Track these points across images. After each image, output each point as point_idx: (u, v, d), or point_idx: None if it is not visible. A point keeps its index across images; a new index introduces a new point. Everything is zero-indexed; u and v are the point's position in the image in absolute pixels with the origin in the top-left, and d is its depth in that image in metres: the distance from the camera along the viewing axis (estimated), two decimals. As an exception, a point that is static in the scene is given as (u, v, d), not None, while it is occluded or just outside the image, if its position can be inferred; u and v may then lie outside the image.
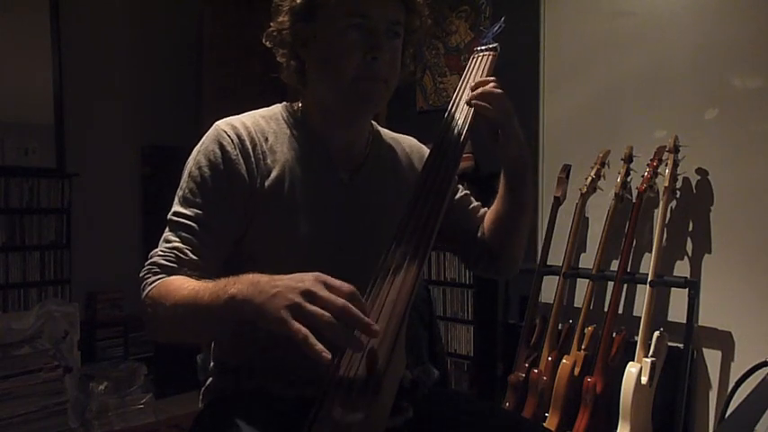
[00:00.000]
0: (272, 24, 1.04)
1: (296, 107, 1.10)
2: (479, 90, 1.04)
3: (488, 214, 1.18)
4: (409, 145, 1.21)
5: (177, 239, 0.97)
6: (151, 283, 0.94)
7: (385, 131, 1.20)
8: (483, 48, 1.10)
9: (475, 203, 1.24)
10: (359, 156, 1.11)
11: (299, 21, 1.01)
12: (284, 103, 1.12)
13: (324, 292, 0.75)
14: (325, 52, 1.00)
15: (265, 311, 0.77)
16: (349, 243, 1.04)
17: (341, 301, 0.75)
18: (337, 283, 0.77)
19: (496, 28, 1.11)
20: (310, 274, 0.78)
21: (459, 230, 1.20)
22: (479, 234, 1.19)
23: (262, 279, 0.81)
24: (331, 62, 0.99)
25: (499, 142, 1.06)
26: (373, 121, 1.17)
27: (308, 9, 1.00)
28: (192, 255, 0.96)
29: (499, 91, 1.03)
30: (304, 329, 0.73)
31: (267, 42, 1.06)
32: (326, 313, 0.73)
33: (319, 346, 0.72)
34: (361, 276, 0.87)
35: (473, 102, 1.04)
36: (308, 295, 0.75)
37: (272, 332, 0.77)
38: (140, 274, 0.97)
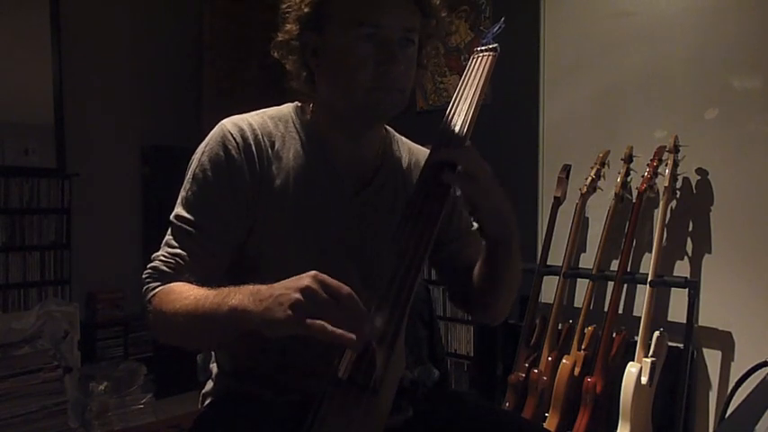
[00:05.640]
0: (279, 34, 1.01)
1: (307, 110, 1.07)
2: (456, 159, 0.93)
3: (476, 267, 1.08)
4: (425, 156, 1.14)
5: (178, 245, 0.96)
6: (152, 290, 0.93)
7: (402, 140, 1.16)
8: (483, 48, 1.10)
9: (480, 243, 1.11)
10: (369, 168, 1.08)
11: (308, 29, 0.98)
12: (296, 103, 1.08)
13: (322, 290, 0.75)
14: (337, 63, 0.97)
15: (269, 317, 0.76)
16: (353, 257, 1.02)
17: (346, 288, 0.75)
18: (335, 282, 0.77)
19: (496, 28, 1.10)
20: (308, 273, 0.78)
21: (456, 264, 1.13)
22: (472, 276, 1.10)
23: (261, 288, 0.80)
24: (343, 74, 0.96)
25: (481, 214, 0.96)
26: (389, 128, 1.13)
27: (317, 18, 0.96)
28: (193, 261, 0.95)
29: (478, 159, 0.93)
30: (318, 321, 0.73)
31: (275, 53, 1.03)
32: (332, 300, 0.74)
33: (339, 330, 0.72)
34: (362, 290, 0.86)
35: (451, 178, 0.92)
36: (309, 292, 0.75)
37: (276, 337, 0.77)
38: (143, 277, 0.96)
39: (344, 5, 0.95)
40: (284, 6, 1.00)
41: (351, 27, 0.94)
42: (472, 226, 1.15)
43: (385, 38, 0.94)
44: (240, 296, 0.81)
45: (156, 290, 0.93)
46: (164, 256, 0.96)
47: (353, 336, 0.74)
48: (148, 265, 0.97)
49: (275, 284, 0.79)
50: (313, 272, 0.77)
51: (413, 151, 1.16)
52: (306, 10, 0.96)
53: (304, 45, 0.99)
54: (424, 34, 1.01)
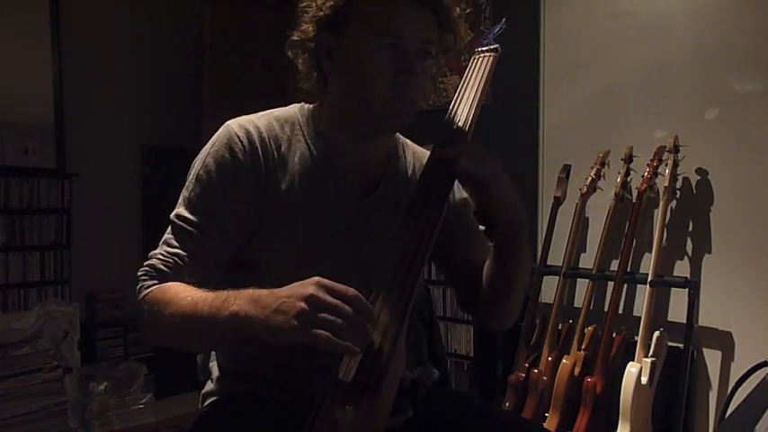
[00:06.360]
0: (294, 33, 1.00)
1: (314, 112, 1.06)
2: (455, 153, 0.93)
3: (485, 268, 1.07)
4: None
5: (178, 245, 0.95)
6: (147, 287, 0.93)
7: (407, 144, 1.15)
8: (484, 49, 1.10)
9: (488, 244, 1.09)
10: (374, 171, 1.07)
11: (325, 30, 0.96)
12: (302, 104, 1.08)
13: (328, 297, 0.75)
14: (353, 69, 0.96)
15: (272, 325, 0.76)
16: (355, 259, 1.02)
17: (352, 290, 0.75)
18: (340, 287, 0.76)
19: (497, 29, 1.10)
20: (311, 279, 0.77)
21: (468, 268, 1.11)
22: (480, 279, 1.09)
23: (262, 294, 0.80)
24: (359, 81, 0.96)
25: (486, 205, 0.94)
26: (398, 134, 1.13)
27: (336, 21, 0.95)
28: (191, 262, 0.94)
29: (481, 150, 0.94)
30: (322, 332, 0.73)
31: (288, 52, 1.02)
32: (342, 305, 0.74)
33: (344, 342, 0.73)
34: (364, 292, 0.86)
35: (449, 168, 0.92)
36: (313, 300, 0.74)
37: (277, 344, 0.77)
38: (138, 274, 0.95)
39: (367, 13, 0.94)
40: (302, 5, 0.99)
41: (371, 35, 0.94)
42: (479, 228, 1.14)
43: (405, 49, 0.94)
44: (241, 302, 0.81)
45: (152, 288, 0.92)
46: (162, 254, 0.95)
47: (357, 347, 0.74)
48: (145, 263, 0.96)
49: (277, 291, 0.79)
50: (316, 278, 0.77)
51: (418, 155, 1.15)
52: (326, 12, 0.95)
53: (319, 46, 0.98)
54: (440, 47, 1.01)
